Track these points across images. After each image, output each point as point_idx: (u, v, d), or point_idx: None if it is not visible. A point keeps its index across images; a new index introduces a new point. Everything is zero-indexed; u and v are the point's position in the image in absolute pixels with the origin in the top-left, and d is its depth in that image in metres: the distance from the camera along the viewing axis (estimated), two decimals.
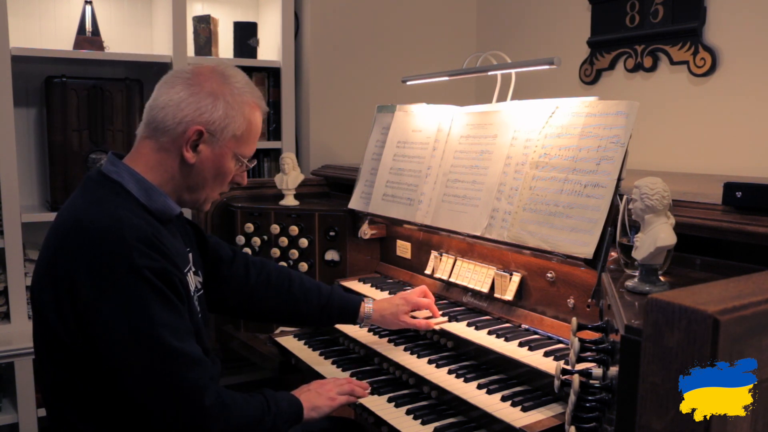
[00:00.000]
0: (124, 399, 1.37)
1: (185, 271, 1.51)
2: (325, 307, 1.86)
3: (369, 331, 2.00)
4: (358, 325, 1.95)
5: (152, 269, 1.33)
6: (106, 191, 1.42)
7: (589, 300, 1.57)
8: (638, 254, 1.24)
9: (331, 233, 2.41)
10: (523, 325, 1.79)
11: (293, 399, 1.58)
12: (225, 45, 3.18)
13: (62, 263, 1.34)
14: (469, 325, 1.82)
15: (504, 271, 1.87)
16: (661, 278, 1.26)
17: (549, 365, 1.54)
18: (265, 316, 1.94)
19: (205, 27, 3.07)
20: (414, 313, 1.90)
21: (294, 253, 2.42)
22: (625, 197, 1.35)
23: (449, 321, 1.87)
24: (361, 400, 1.68)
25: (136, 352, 1.32)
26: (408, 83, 2.41)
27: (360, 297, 1.93)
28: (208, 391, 1.37)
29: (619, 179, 1.54)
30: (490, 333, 1.76)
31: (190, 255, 1.61)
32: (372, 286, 2.25)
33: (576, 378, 1.20)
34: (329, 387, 1.66)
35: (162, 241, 1.38)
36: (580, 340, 1.25)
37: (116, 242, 1.31)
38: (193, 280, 1.57)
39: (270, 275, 1.85)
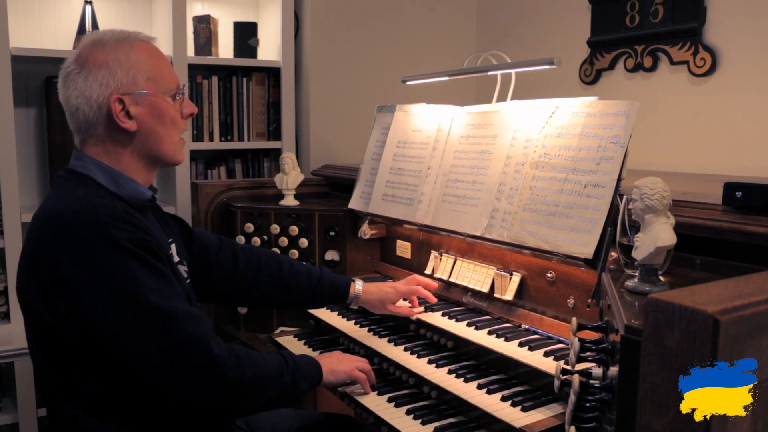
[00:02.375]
0: (128, 380, 1.37)
1: (168, 253, 1.51)
2: (316, 289, 1.89)
3: (369, 331, 2.00)
4: (348, 305, 1.98)
5: (131, 240, 1.34)
6: (73, 184, 1.45)
7: (589, 300, 1.57)
8: (638, 254, 1.24)
9: (331, 233, 2.41)
10: (523, 325, 1.79)
11: (311, 359, 1.61)
12: (225, 45, 3.18)
13: (42, 255, 1.36)
14: (469, 325, 1.82)
15: (504, 271, 1.87)
16: (661, 278, 1.26)
17: (549, 365, 1.54)
18: (257, 302, 1.95)
19: (205, 27, 3.07)
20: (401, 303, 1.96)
21: (294, 253, 2.42)
22: (625, 197, 1.35)
23: (449, 320, 1.87)
24: (360, 400, 1.68)
25: (130, 321, 1.32)
26: (408, 83, 2.41)
27: (349, 278, 1.96)
28: (213, 341, 1.37)
29: (619, 179, 1.54)
30: (490, 333, 1.76)
31: (173, 245, 1.62)
32: None
33: (576, 378, 1.20)
34: (350, 358, 1.70)
35: (136, 217, 1.40)
36: (580, 340, 1.25)
37: (91, 222, 1.33)
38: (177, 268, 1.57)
39: (260, 260, 1.87)
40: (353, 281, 1.94)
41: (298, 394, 1.53)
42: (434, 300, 1.97)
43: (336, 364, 1.64)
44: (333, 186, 2.84)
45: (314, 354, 1.99)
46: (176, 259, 1.60)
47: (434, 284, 2.03)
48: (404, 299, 1.99)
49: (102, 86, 1.45)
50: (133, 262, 1.34)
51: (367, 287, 1.94)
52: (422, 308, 1.96)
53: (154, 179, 1.60)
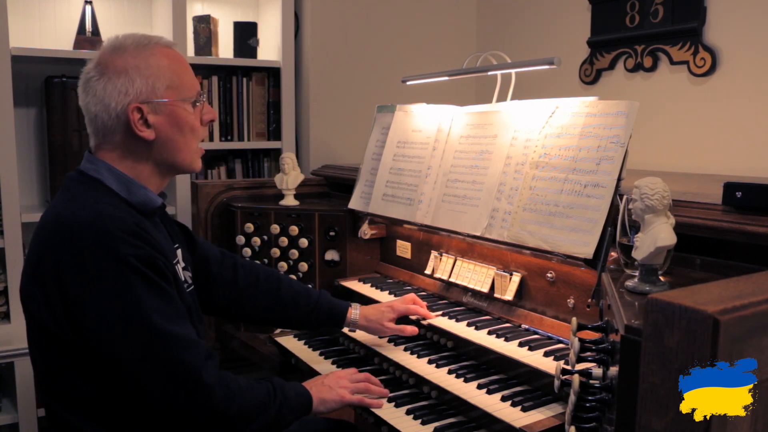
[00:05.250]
0: (123, 390, 1.37)
1: (173, 262, 1.51)
2: (313, 311, 1.87)
3: None
4: (346, 329, 1.96)
5: (138, 257, 1.34)
6: (85, 188, 1.43)
7: (589, 300, 1.57)
8: (638, 254, 1.24)
9: (331, 233, 2.41)
10: (523, 325, 1.79)
11: (302, 390, 1.58)
12: (225, 45, 3.18)
13: (48, 261, 1.35)
14: (469, 325, 1.82)
15: (504, 271, 1.87)
16: (661, 278, 1.26)
17: (549, 365, 1.54)
18: (254, 318, 1.93)
19: (205, 27, 3.07)
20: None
21: (294, 253, 2.42)
22: (625, 197, 1.35)
23: (449, 320, 1.87)
24: None
25: (127, 338, 1.32)
26: (408, 83, 2.41)
27: (348, 303, 1.93)
28: (206, 369, 1.36)
29: (619, 179, 1.54)
30: (490, 333, 1.76)
31: (179, 251, 1.61)
32: (372, 286, 2.25)
33: (576, 378, 1.20)
34: (344, 383, 1.65)
35: (146, 230, 1.39)
36: (580, 340, 1.25)
37: (100, 234, 1.32)
38: (182, 274, 1.57)
39: (258, 277, 1.86)
40: (351, 306, 1.91)
41: (284, 425, 1.50)
42: (432, 316, 1.91)
43: (327, 393, 1.60)
44: (333, 186, 2.84)
45: (314, 354, 1.99)
46: (182, 264, 1.59)
47: (424, 303, 1.96)
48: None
49: (121, 94, 1.43)
50: (138, 279, 1.33)
51: (364, 311, 1.90)
52: (416, 328, 1.89)
53: (166, 185, 1.58)
